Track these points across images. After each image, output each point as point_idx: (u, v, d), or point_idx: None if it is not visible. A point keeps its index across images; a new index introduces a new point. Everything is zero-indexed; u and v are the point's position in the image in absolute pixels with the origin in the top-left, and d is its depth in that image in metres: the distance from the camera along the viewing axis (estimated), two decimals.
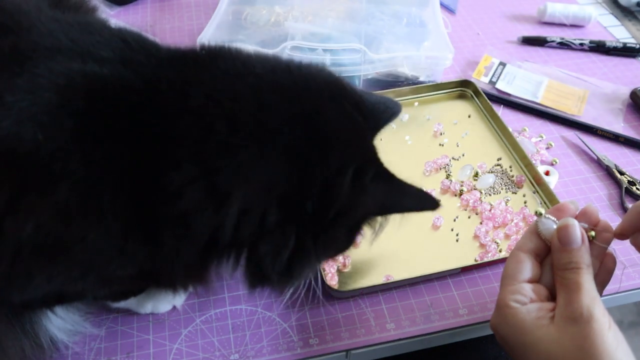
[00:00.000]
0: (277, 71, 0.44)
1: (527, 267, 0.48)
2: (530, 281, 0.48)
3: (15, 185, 0.37)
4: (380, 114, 0.50)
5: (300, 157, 0.41)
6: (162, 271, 0.44)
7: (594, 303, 0.43)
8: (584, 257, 0.45)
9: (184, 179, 0.38)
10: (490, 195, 0.68)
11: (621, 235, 0.49)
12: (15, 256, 0.38)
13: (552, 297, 0.47)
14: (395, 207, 0.47)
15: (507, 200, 0.68)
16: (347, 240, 0.47)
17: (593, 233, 0.48)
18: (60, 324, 0.51)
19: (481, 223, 0.65)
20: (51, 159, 0.37)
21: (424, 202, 0.48)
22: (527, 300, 0.46)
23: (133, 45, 0.43)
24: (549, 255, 0.49)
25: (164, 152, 0.39)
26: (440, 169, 0.71)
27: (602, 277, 0.49)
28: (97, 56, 0.41)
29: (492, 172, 0.71)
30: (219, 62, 0.43)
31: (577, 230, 0.46)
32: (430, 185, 0.69)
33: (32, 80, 0.38)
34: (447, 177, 0.70)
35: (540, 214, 0.49)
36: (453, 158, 0.73)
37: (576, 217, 0.49)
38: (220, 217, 0.39)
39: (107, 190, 0.38)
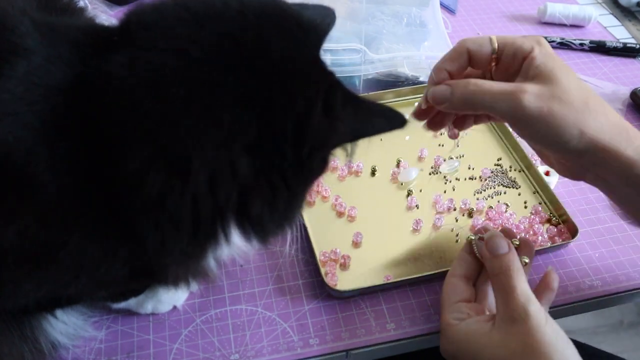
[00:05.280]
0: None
1: (459, 290, 0.54)
2: (466, 301, 0.53)
3: None
4: (318, 26, 0.47)
5: (255, 99, 0.38)
6: (155, 267, 0.43)
7: (528, 302, 0.47)
8: (513, 262, 0.50)
9: (139, 163, 0.37)
10: (492, 197, 0.69)
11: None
12: None
13: (487, 312, 0.52)
14: (367, 131, 0.44)
15: (507, 201, 0.68)
16: (321, 167, 0.45)
17: (517, 242, 0.55)
18: (62, 327, 0.51)
19: (481, 223, 0.65)
20: (24, 161, 0.36)
21: (392, 120, 0.45)
22: (465, 316, 0.51)
23: (101, 44, 0.42)
24: (479, 275, 0.55)
25: (118, 142, 0.37)
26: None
27: (547, 296, 0.53)
28: (66, 57, 0.40)
29: (492, 172, 0.71)
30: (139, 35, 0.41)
31: (502, 239, 0.52)
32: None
33: (8, 82, 0.38)
34: (444, 177, 0.70)
35: (472, 239, 0.56)
36: (452, 158, 0.73)
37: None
38: (190, 190, 0.38)
39: (77, 190, 0.38)
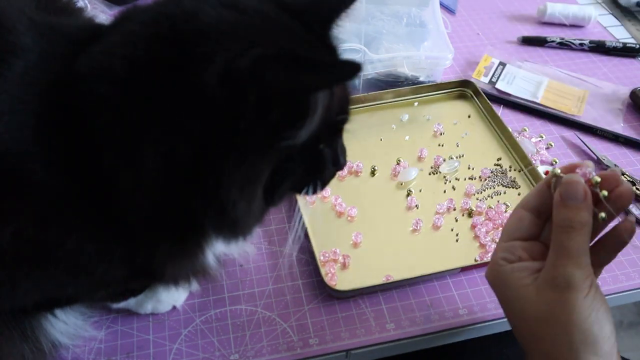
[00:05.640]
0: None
1: (524, 224, 0.49)
2: (526, 239, 0.49)
3: None
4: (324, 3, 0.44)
5: (174, 65, 0.37)
6: (153, 265, 0.43)
7: (575, 270, 0.43)
8: (580, 216, 0.44)
9: (112, 163, 0.37)
10: (491, 197, 0.69)
11: None
12: None
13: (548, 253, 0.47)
14: (299, 88, 0.37)
15: (507, 201, 0.68)
16: (260, 147, 0.39)
17: (598, 179, 0.45)
18: (63, 327, 0.51)
19: (481, 223, 0.65)
20: (20, 161, 0.37)
21: (334, 72, 0.36)
22: (515, 259, 0.47)
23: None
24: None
25: (96, 138, 0.38)
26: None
27: (614, 247, 0.47)
28: (64, 56, 0.41)
29: (492, 172, 0.71)
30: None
31: (580, 188, 0.44)
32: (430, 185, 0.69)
33: (5, 82, 0.38)
34: (444, 177, 0.70)
35: (556, 173, 0.47)
36: (452, 158, 0.73)
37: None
38: (150, 181, 0.37)
39: (74, 189, 0.38)
